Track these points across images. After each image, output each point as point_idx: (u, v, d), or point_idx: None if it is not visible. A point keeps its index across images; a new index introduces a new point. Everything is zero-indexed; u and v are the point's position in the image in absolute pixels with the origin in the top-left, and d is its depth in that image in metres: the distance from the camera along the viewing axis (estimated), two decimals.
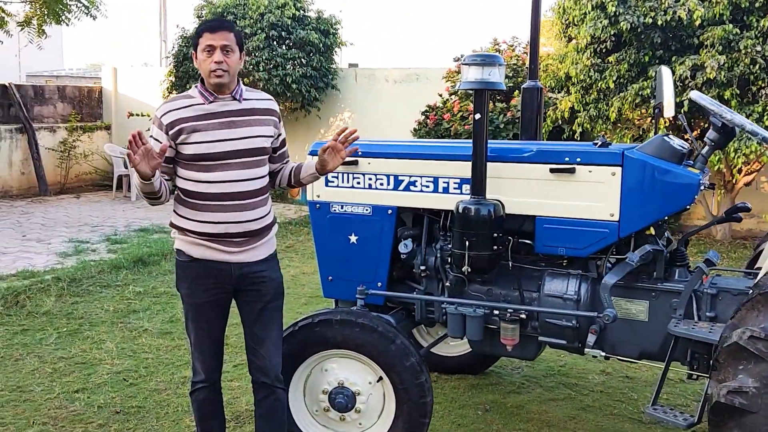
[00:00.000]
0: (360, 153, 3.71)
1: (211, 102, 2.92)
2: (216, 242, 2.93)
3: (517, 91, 10.04)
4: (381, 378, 3.38)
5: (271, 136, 3.06)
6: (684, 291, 3.26)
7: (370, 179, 3.76)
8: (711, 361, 2.78)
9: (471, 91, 3.44)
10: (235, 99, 2.96)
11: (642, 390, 4.54)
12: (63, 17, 10.64)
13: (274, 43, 11.24)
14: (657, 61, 8.03)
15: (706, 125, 8.09)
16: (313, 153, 3.65)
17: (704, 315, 3.26)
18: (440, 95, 10.74)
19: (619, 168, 3.26)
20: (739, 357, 2.55)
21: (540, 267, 3.56)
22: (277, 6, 11.20)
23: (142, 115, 12.94)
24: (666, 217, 3.39)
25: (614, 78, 8.12)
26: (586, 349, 3.45)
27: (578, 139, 8.69)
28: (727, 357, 2.59)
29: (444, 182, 3.61)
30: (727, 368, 2.60)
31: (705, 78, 7.51)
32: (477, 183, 3.37)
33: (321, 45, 11.39)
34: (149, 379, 4.52)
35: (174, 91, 12.34)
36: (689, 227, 9.25)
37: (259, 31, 11.06)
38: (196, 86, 2.99)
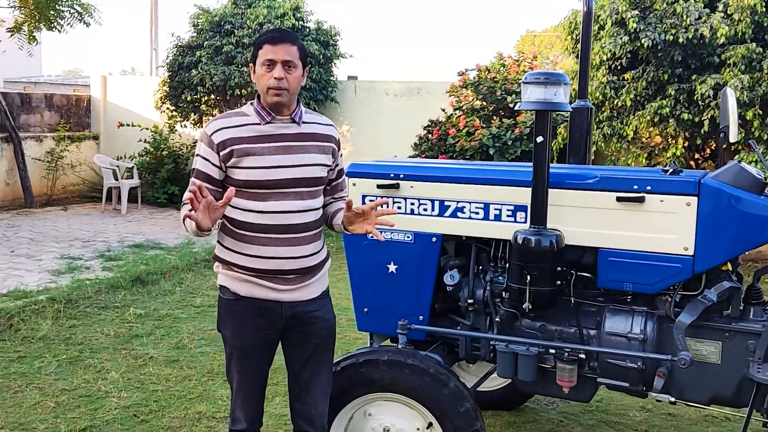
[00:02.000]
0: (402, 176, 3.44)
1: (268, 123, 2.61)
2: (266, 279, 2.63)
3: None
4: (431, 424, 3.08)
5: (329, 166, 2.75)
6: (765, 332, 2.99)
7: (412, 204, 3.46)
8: None
9: (531, 111, 3.13)
10: (294, 122, 2.65)
11: (687, 428, 4.27)
12: (55, 23, 10.25)
13: None
14: (676, 79, 7.83)
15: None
16: (349, 174, 3.37)
17: None
18: (443, 110, 10.49)
19: (695, 198, 2.99)
20: None
21: (600, 302, 3.28)
22: (277, 16, 10.92)
23: (133, 125, 12.57)
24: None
25: (631, 96, 7.90)
26: (652, 393, 3.20)
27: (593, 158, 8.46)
28: None
29: (496, 209, 3.32)
30: None
31: None
32: (538, 211, 3.08)
33: (321, 56, 11.10)
34: (161, 415, 4.17)
35: (168, 102, 12.00)
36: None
37: None
38: (251, 103, 2.68)
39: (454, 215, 3.40)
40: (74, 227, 10.27)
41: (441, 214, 3.43)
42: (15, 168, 11.92)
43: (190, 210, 2.38)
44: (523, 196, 3.19)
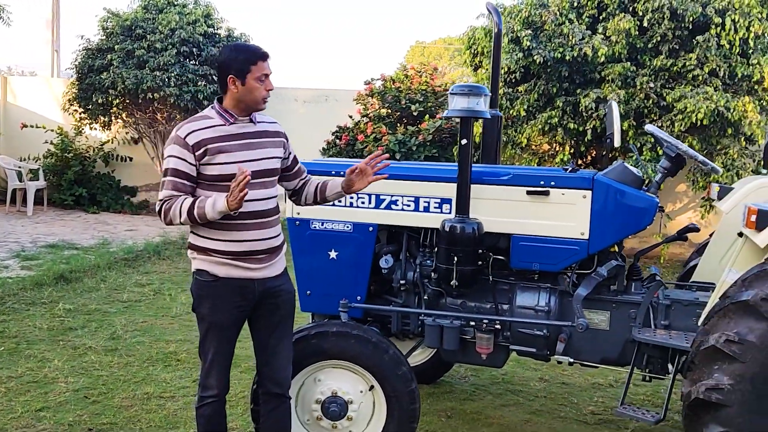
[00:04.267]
0: (342, 174, 3.92)
1: (232, 123, 3.03)
2: (242, 260, 3.04)
3: (427, 115, 10.52)
4: (372, 387, 3.58)
5: (282, 157, 3.22)
6: (643, 302, 3.67)
7: (351, 198, 3.95)
8: (685, 363, 3.18)
9: (455, 118, 3.69)
10: (251, 121, 3.10)
11: (579, 394, 4.95)
12: None
13: (185, 59, 11.15)
14: (563, 93, 8.69)
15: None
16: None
17: (660, 323, 3.68)
18: (351, 117, 11.03)
19: (590, 191, 3.64)
20: (715, 358, 2.95)
21: (511, 281, 3.88)
22: (189, 22, 11.15)
23: (37, 127, 12.42)
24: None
25: (525, 106, 8.70)
26: (554, 356, 3.83)
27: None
28: (703, 359, 2.99)
29: (425, 201, 3.86)
30: (702, 369, 3.00)
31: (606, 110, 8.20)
32: (462, 203, 3.65)
33: None
34: (110, 396, 4.47)
35: (76, 103, 11.94)
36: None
37: (170, 46, 10.96)
38: (212, 107, 3.08)
39: (388, 207, 3.92)
40: None
41: (377, 207, 3.93)
42: None
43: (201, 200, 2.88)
44: (449, 190, 3.74)
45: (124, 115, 11.98)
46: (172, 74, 10.85)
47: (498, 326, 3.79)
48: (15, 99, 13.52)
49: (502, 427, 4.36)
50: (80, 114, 12.06)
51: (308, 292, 4.06)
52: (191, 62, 11.32)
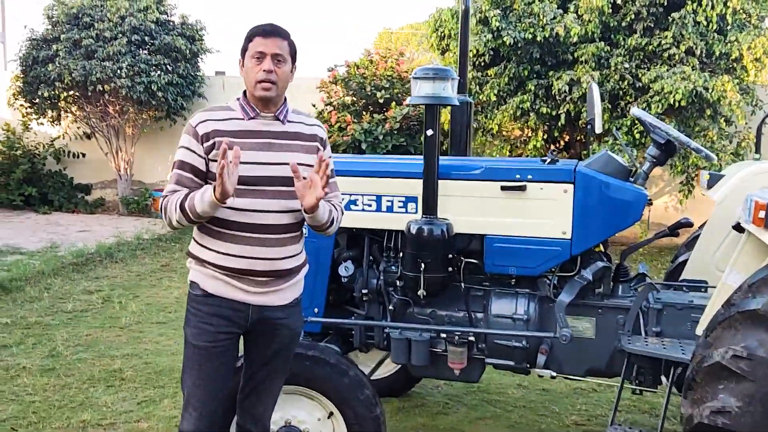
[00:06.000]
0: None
1: (252, 118, 2.58)
2: (236, 278, 2.57)
3: (393, 102, 10.07)
4: (332, 413, 3.15)
5: (311, 165, 2.60)
6: (633, 307, 3.28)
7: None
8: (682, 376, 2.79)
9: (419, 105, 3.26)
10: (278, 119, 2.62)
11: (561, 402, 4.58)
12: None
13: (137, 48, 10.56)
14: (535, 76, 8.29)
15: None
16: None
17: (651, 330, 3.30)
18: (314, 105, 10.55)
19: (571, 185, 3.23)
20: (720, 376, 2.55)
21: (486, 287, 3.47)
22: (139, 9, 10.55)
23: None
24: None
25: (495, 91, 8.29)
26: (535, 369, 3.43)
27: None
28: (706, 377, 2.59)
29: (388, 200, 3.44)
30: (705, 388, 2.60)
31: (581, 92, 7.82)
32: (429, 202, 3.22)
33: (187, 51, 10.84)
34: (41, 427, 3.99)
35: (21, 97, 11.30)
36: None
37: (120, 35, 10.37)
38: (237, 99, 2.63)
39: (347, 208, 3.47)
40: None
41: None
42: None
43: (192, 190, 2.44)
44: (414, 187, 3.32)
45: (74, 108, 11.36)
46: (123, 64, 10.26)
47: (472, 338, 3.38)
48: None
49: None
50: (26, 109, 11.42)
51: None
52: (143, 51, 10.72)
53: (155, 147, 11.71)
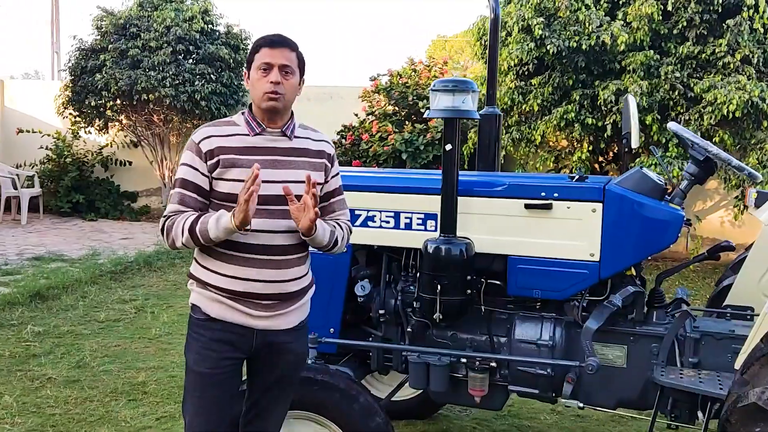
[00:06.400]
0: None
1: (257, 134, 2.45)
2: (240, 302, 2.44)
3: None
4: None
5: (320, 184, 2.55)
6: (667, 335, 3.05)
7: None
8: (720, 413, 2.56)
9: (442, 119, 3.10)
10: (284, 135, 2.49)
11: (595, 429, 4.35)
12: None
13: (181, 57, 10.63)
14: (580, 85, 8.03)
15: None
16: None
17: (687, 361, 3.07)
18: (356, 115, 10.46)
19: (600, 204, 3.03)
20: (756, 418, 2.33)
21: (510, 310, 3.28)
22: (185, 19, 10.62)
23: (34, 132, 12.00)
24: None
25: (539, 101, 8.05)
26: (560, 399, 3.23)
27: (502, 162, 8.56)
28: (741, 417, 2.37)
29: (406, 217, 3.29)
30: (740, 429, 2.38)
31: None
32: (447, 220, 3.06)
33: (231, 60, 10.88)
34: None
35: (71, 107, 11.51)
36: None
37: (165, 45, 10.45)
38: (242, 113, 2.51)
39: (364, 224, 3.34)
40: None
41: (352, 224, 3.35)
42: None
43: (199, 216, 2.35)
44: (434, 204, 3.16)
45: (120, 117, 11.51)
46: (168, 74, 10.33)
47: (494, 364, 3.20)
48: (13, 103, 13.11)
49: None
50: (75, 117, 11.62)
51: None
52: (188, 61, 10.79)
53: None
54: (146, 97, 10.56)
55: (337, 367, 3.20)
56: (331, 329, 3.39)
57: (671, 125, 3.20)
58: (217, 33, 11.11)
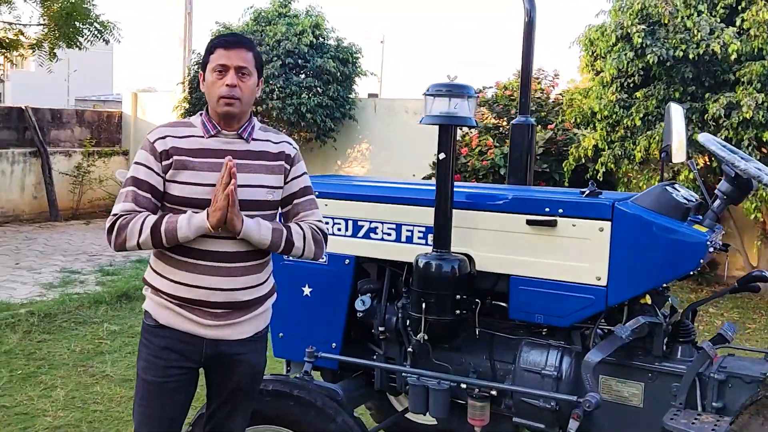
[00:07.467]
0: (317, 194, 3.24)
1: (212, 136, 2.38)
2: (189, 309, 2.37)
3: (539, 126, 9.50)
4: None
5: (277, 187, 2.46)
6: (686, 375, 2.68)
7: (326, 223, 3.26)
8: None
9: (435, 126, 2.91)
10: (241, 137, 2.41)
11: None
12: (75, 41, 10.42)
13: (290, 71, 10.88)
14: (689, 98, 7.42)
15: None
16: None
17: (710, 405, 2.68)
18: (460, 128, 10.24)
19: (608, 223, 2.72)
20: None
21: (517, 335, 3.01)
22: (295, 33, 10.87)
23: None
24: (666, 284, 2.83)
25: (641, 115, 7.53)
26: None
27: (601, 179, 8.06)
28: None
29: (408, 230, 3.11)
30: None
31: (741, 117, 6.86)
32: (441, 234, 2.86)
33: (338, 74, 11.00)
34: None
35: (187, 117, 12.07)
36: (730, 278, 8.54)
37: (275, 58, 10.72)
38: (200, 114, 2.46)
39: (367, 236, 3.20)
40: (87, 241, 10.35)
41: (354, 235, 3.22)
42: (42, 182, 12.13)
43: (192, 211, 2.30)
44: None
45: None
46: (276, 87, 10.60)
47: (494, 392, 2.95)
48: (144, 115, 13.97)
49: None
50: None
51: (280, 334, 3.42)
52: (296, 74, 11.02)
53: (307, 168, 11.86)
54: (255, 109, 10.88)
55: (321, 383, 3.08)
56: (333, 344, 3.27)
57: (702, 137, 2.83)
58: (327, 47, 11.28)
